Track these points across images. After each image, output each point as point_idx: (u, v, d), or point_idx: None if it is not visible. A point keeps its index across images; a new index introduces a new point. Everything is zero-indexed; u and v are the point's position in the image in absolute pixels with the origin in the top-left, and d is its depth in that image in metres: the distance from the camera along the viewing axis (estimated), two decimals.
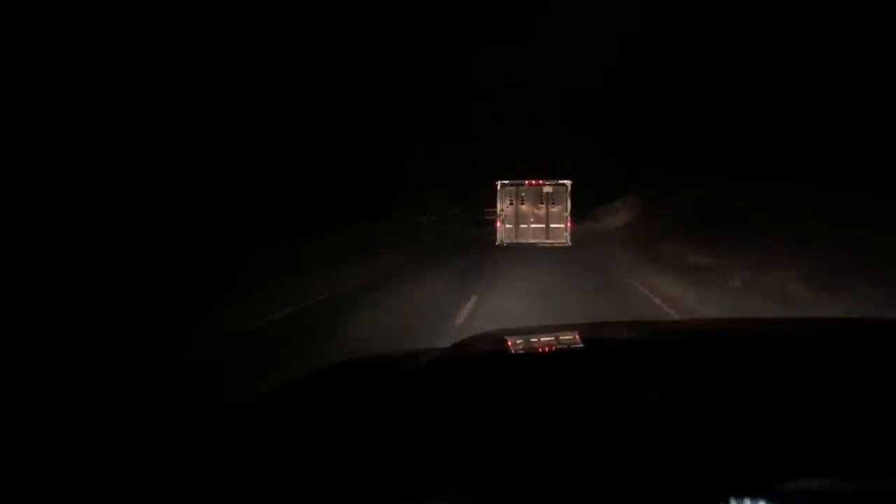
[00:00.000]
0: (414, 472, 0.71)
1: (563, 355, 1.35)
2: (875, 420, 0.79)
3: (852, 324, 1.60)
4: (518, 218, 16.64)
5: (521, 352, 1.38)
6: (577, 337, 1.55)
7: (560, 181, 16.57)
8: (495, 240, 16.71)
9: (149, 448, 0.96)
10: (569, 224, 16.49)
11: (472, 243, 18.90)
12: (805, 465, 0.67)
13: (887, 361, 1.06)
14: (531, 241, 16.36)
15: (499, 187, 16.96)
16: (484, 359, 1.26)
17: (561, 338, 1.56)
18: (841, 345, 1.21)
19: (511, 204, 16.71)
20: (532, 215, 16.61)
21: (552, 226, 16.50)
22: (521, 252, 15.02)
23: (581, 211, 22.71)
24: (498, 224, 16.86)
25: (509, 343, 1.45)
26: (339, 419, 0.93)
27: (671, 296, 7.94)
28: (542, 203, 16.60)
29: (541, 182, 16.71)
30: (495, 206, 17.31)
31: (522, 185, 16.75)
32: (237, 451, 0.86)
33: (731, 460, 0.68)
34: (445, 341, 1.91)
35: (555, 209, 16.49)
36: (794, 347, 1.21)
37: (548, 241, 16.29)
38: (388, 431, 0.83)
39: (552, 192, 16.54)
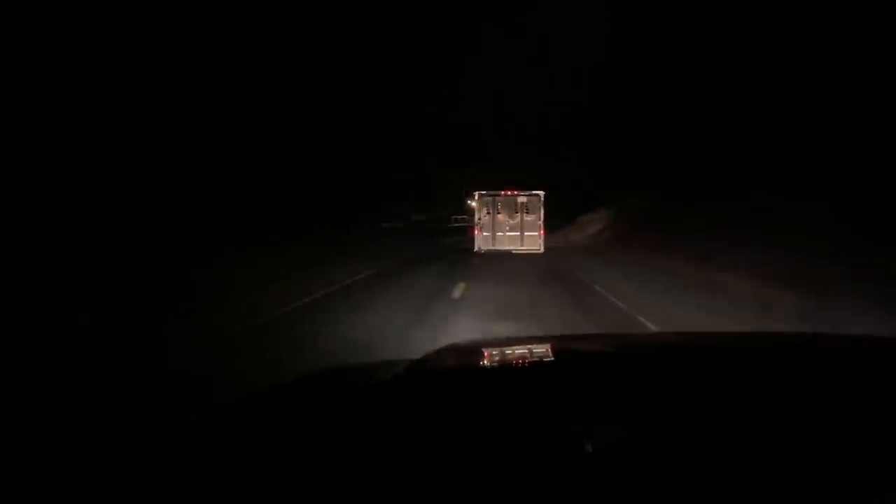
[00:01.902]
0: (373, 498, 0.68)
1: (534, 370, 1.31)
2: (846, 445, 0.76)
3: (815, 339, 1.62)
4: (495, 226, 17.55)
5: (493, 366, 1.35)
6: (551, 351, 1.51)
7: (534, 191, 17.56)
8: (469, 249, 17.55)
9: (93, 467, 0.90)
10: (542, 232, 17.49)
11: (435, 262, 14.68)
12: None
13: (847, 379, 1.05)
14: (507, 248, 17.29)
15: (477, 197, 17.90)
16: (452, 374, 1.22)
17: (534, 351, 1.52)
18: (806, 360, 1.21)
19: (488, 213, 17.61)
20: (508, 224, 17.54)
21: (526, 234, 17.46)
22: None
23: (557, 222, 24.01)
24: (476, 232, 17.72)
25: (481, 356, 1.42)
26: (298, 437, 0.90)
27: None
28: (517, 212, 17.54)
29: (516, 192, 17.67)
30: (465, 214, 18.13)
31: (499, 194, 17.68)
32: (185, 471, 0.82)
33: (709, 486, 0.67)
34: None
35: (529, 218, 17.46)
36: (766, 366, 1.20)
37: (523, 248, 17.23)
38: (346, 452, 0.80)
39: (527, 202, 17.51)
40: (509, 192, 17.67)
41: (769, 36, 14.80)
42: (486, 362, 1.37)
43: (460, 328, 6.04)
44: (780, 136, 13.97)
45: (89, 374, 1.12)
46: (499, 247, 17.31)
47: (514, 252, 17.07)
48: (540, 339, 1.77)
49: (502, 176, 26.66)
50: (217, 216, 21.06)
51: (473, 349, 1.51)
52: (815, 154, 12.18)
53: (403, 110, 40.31)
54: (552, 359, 1.45)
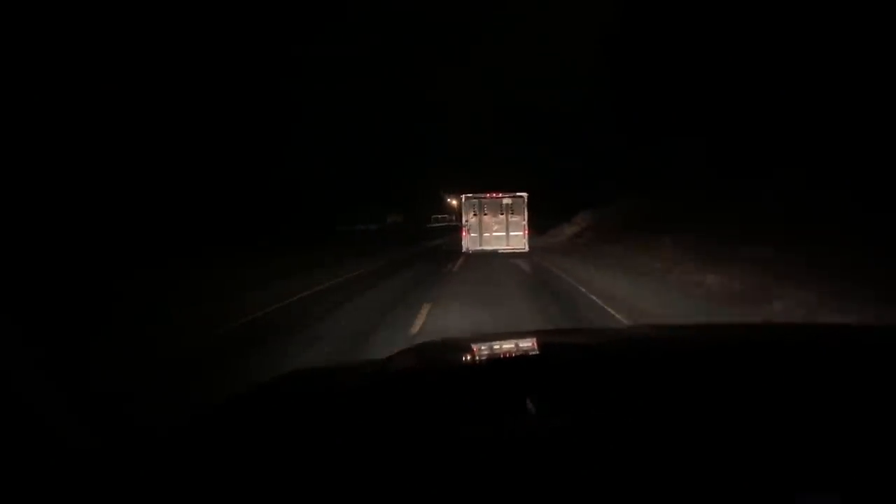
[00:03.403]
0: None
1: (501, 366, 1.30)
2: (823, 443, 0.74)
3: (790, 329, 1.63)
4: (482, 228, 18.31)
5: (464, 363, 1.34)
6: (520, 348, 1.52)
7: (518, 193, 18.33)
8: (458, 250, 18.28)
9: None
10: (526, 232, 18.30)
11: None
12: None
13: (831, 369, 1.03)
14: (493, 247, 18.05)
15: (463, 200, 18.61)
16: (422, 373, 1.21)
17: (503, 347, 1.52)
18: (788, 351, 1.21)
19: (475, 215, 18.36)
20: (494, 225, 18.31)
21: (512, 234, 18.24)
22: None
23: (553, 221, 24.69)
24: (464, 233, 18.43)
25: (452, 353, 1.42)
26: (268, 444, 0.87)
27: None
28: (502, 213, 18.32)
29: (500, 194, 18.43)
30: (444, 213, 18.73)
31: (485, 197, 18.43)
32: (148, 481, 0.78)
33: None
34: None
35: (514, 218, 18.24)
36: (745, 355, 1.19)
37: (509, 248, 18.02)
38: (320, 454, 0.79)
39: (511, 204, 18.29)
40: (494, 195, 18.42)
41: (760, 30, 15.26)
42: (457, 359, 1.38)
43: None
44: (771, 132, 14.51)
45: None
46: (485, 247, 18.07)
47: (500, 251, 17.84)
48: (507, 336, 1.74)
49: (485, 176, 27.09)
50: (181, 217, 20.52)
51: (444, 347, 1.52)
52: (807, 150, 12.63)
53: (382, 109, 40.45)
54: (519, 355, 1.44)
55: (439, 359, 1.41)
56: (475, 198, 18.48)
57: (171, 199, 20.88)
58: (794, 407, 0.86)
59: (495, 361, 1.37)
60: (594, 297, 8.46)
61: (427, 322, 6.77)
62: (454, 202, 54.34)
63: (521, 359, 1.40)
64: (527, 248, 17.96)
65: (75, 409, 1.01)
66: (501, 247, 18.08)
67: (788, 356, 1.17)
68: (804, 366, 1.08)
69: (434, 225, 41.16)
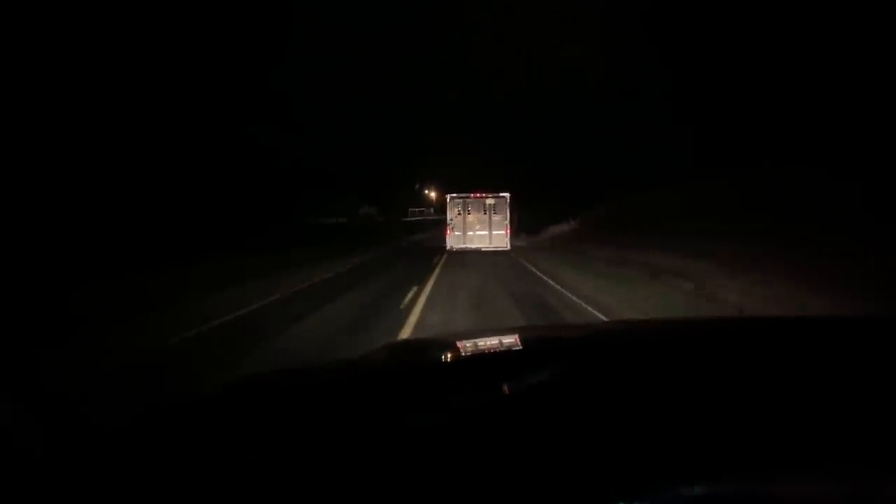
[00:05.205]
0: None
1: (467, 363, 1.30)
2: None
3: (754, 322, 1.64)
4: (465, 226, 18.85)
5: (444, 361, 1.33)
6: (495, 343, 1.53)
7: (500, 193, 18.91)
8: (442, 247, 18.75)
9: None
10: (508, 231, 18.89)
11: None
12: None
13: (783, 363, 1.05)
14: (477, 245, 18.60)
15: (448, 199, 19.09)
16: (392, 371, 1.21)
17: (465, 345, 1.50)
18: (754, 345, 1.22)
19: (459, 214, 18.87)
20: (477, 223, 18.87)
21: (494, 232, 18.82)
22: None
23: (539, 222, 25.15)
24: (448, 232, 18.91)
25: (427, 349, 1.42)
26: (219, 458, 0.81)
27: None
28: (485, 213, 18.88)
29: (484, 194, 18.98)
30: (422, 206, 19.11)
31: (469, 197, 18.96)
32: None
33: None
34: None
35: (497, 217, 18.83)
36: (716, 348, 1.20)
37: (491, 246, 18.59)
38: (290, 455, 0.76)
39: (494, 203, 18.86)
40: (478, 195, 18.97)
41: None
42: (431, 355, 1.39)
43: None
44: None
45: None
46: (469, 245, 18.62)
47: (483, 249, 18.39)
48: (473, 334, 1.73)
49: (469, 169, 26.81)
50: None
51: (415, 346, 1.54)
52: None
53: (357, 96, 39.81)
54: (486, 352, 1.46)
55: (413, 353, 1.43)
56: (459, 197, 18.99)
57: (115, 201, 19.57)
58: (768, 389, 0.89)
59: (470, 356, 1.38)
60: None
61: None
62: (433, 194, 54.30)
63: (497, 352, 1.42)
64: (509, 247, 18.52)
65: (31, 410, 0.94)
66: (484, 245, 18.63)
67: (766, 345, 1.22)
68: (779, 354, 1.13)
69: (411, 219, 40.70)
